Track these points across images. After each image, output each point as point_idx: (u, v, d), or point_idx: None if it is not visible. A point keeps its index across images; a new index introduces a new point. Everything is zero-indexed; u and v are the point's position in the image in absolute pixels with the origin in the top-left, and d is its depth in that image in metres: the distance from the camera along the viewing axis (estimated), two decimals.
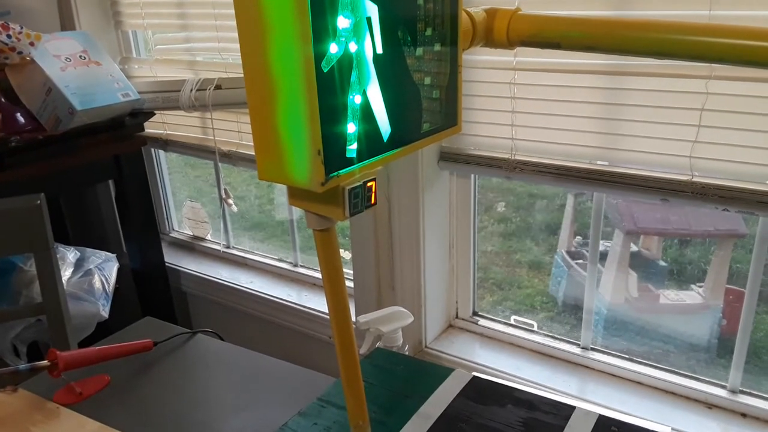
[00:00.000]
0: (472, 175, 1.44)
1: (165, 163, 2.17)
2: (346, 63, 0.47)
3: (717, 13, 0.99)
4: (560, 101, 1.19)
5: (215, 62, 1.72)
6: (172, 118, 1.87)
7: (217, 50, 1.68)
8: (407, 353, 0.97)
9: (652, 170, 1.13)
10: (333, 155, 0.47)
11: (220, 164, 1.79)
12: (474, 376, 0.83)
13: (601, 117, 1.16)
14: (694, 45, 0.55)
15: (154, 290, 1.94)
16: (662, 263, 3.11)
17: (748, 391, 1.24)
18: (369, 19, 0.47)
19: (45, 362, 0.88)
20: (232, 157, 1.76)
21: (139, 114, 1.68)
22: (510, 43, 0.63)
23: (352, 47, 0.47)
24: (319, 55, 0.44)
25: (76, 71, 1.51)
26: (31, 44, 1.43)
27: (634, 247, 3.02)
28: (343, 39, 0.46)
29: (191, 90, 1.61)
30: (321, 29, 0.43)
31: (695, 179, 1.09)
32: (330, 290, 0.59)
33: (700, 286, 2.88)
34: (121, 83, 1.60)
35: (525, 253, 3.59)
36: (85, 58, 1.56)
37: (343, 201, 0.50)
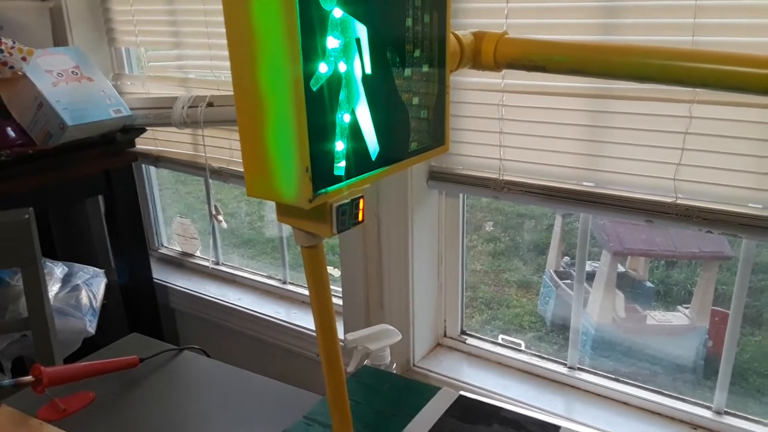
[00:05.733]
0: (461, 195, 1.46)
1: (155, 179, 2.17)
2: (335, 82, 0.48)
3: (700, 39, 1.02)
4: (547, 123, 1.21)
5: (207, 79, 1.73)
6: (164, 135, 1.88)
7: (210, 68, 1.70)
8: (395, 371, 0.97)
9: (637, 192, 1.15)
10: (321, 172, 0.47)
11: (210, 181, 1.80)
12: (460, 395, 0.83)
13: (587, 139, 1.17)
14: (677, 70, 0.56)
15: (141, 306, 1.93)
16: (649, 284, 3.13)
17: (733, 412, 1.25)
18: (358, 40, 0.48)
19: (29, 378, 0.87)
20: (222, 174, 1.77)
21: (131, 130, 1.69)
22: (497, 66, 0.64)
23: (342, 67, 0.48)
24: (308, 75, 0.45)
25: (68, 86, 1.52)
26: (24, 59, 1.43)
27: (621, 268, 3.05)
28: (333, 59, 0.47)
29: (183, 107, 1.62)
30: (310, 49, 0.44)
31: (679, 201, 1.10)
32: (317, 307, 0.60)
33: (687, 308, 2.90)
34: (112, 99, 1.61)
35: (514, 272, 3.61)
36: (77, 73, 1.57)
37: (331, 218, 0.50)
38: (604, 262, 2.97)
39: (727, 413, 1.25)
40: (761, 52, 0.96)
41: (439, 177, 1.39)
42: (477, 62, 0.64)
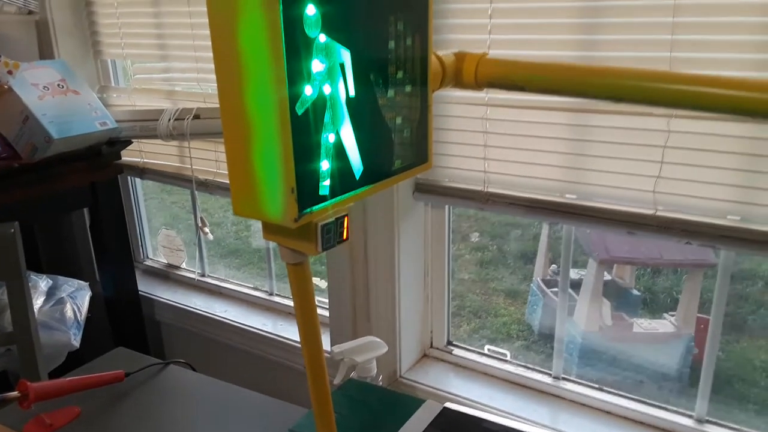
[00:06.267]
0: (447, 206, 1.47)
1: (141, 190, 2.17)
2: (320, 104, 0.49)
3: (677, 55, 1.04)
4: (530, 136, 1.23)
5: (194, 92, 1.74)
6: (150, 146, 1.88)
7: (196, 80, 1.71)
8: (381, 383, 0.98)
9: (618, 204, 1.17)
10: (306, 192, 0.48)
11: (196, 192, 1.80)
12: (444, 407, 0.84)
13: (569, 152, 1.20)
14: (651, 91, 0.58)
15: (126, 319, 1.92)
16: (635, 292, 3.16)
17: (714, 420, 1.27)
18: (342, 65, 0.49)
19: (15, 393, 0.87)
20: (209, 186, 1.77)
21: (117, 142, 1.69)
22: (478, 85, 0.66)
23: (326, 89, 0.49)
24: (294, 98, 0.46)
25: (54, 100, 1.52)
26: (9, 73, 1.43)
27: (608, 276, 3.07)
28: (317, 82, 0.48)
29: (169, 119, 1.63)
30: (296, 73, 0.46)
31: (659, 213, 1.13)
32: (302, 321, 0.61)
33: (672, 315, 2.93)
34: (98, 112, 1.61)
35: (501, 281, 3.63)
36: (63, 86, 1.57)
37: (316, 236, 0.52)
38: (590, 270, 3.00)
39: (708, 422, 1.27)
40: (737, 68, 0.99)
41: (424, 189, 1.41)
42: (458, 82, 0.66)
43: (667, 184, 1.11)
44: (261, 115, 0.46)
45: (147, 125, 1.64)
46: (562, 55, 1.15)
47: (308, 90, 0.47)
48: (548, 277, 3.25)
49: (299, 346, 1.77)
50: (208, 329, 1.89)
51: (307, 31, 0.46)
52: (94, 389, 1.00)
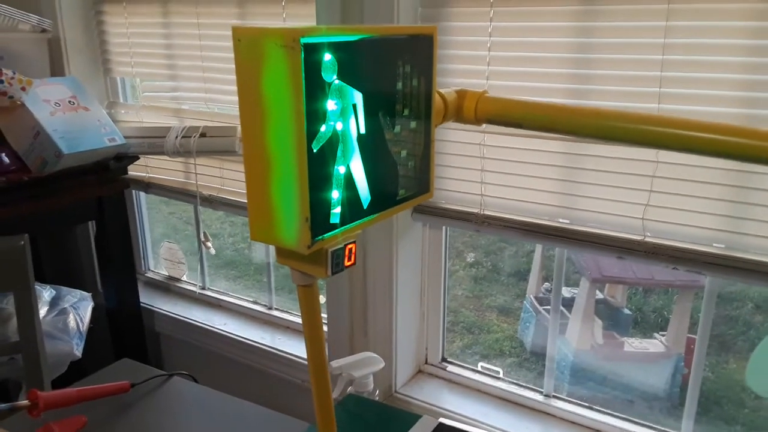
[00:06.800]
0: (444, 227, 1.52)
1: (144, 203, 2.21)
2: (334, 141, 0.53)
3: (665, 107, 1.10)
4: (526, 163, 1.28)
5: (201, 111, 1.78)
6: (155, 162, 1.92)
7: (204, 100, 1.75)
8: (378, 398, 1.02)
9: (609, 229, 1.22)
10: (319, 221, 0.53)
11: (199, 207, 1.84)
12: (440, 423, 0.88)
13: (562, 179, 1.25)
14: (639, 133, 0.63)
15: (127, 330, 1.95)
16: (627, 311, 3.20)
17: None
18: (354, 105, 0.54)
19: (25, 402, 0.91)
20: (213, 202, 1.81)
21: (124, 158, 1.73)
22: (477, 121, 0.70)
23: (339, 127, 0.54)
24: (311, 136, 0.50)
25: (65, 116, 1.57)
26: (23, 89, 1.48)
27: (600, 295, 3.11)
28: (332, 121, 0.53)
29: (176, 136, 1.67)
30: (313, 113, 0.50)
31: (647, 239, 1.18)
32: (309, 338, 0.65)
33: (663, 335, 2.97)
34: (107, 128, 1.65)
35: (495, 297, 3.67)
36: (74, 103, 1.61)
37: (326, 261, 0.56)
38: (582, 289, 3.04)
39: None
40: (723, 104, 1.04)
41: (423, 210, 1.46)
42: (459, 117, 0.71)
43: (656, 212, 1.16)
44: (280, 151, 0.51)
45: (154, 142, 1.69)
46: (557, 87, 1.21)
47: (323, 128, 0.52)
48: (541, 295, 3.28)
49: (297, 359, 1.81)
50: (208, 341, 1.93)
51: (324, 76, 0.51)
52: (99, 399, 1.03)
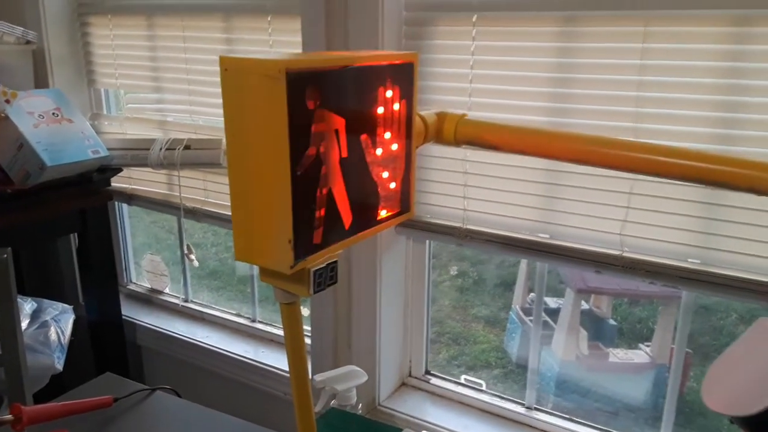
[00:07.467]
0: (427, 241, 1.54)
1: (127, 214, 2.20)
2: (317, 165, 0.55)
3: (640, 126, 1.13)
4: (507, 178, 1.30)
5: (186, 123, 1.79)
6: (138, 173, 1.92)
7: (189, 112, 1.76)
8: (360, 411, 1.03)
9: (587, 244, 1.24)
10: (301, 243, 0.54)
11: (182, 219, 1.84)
12: None
13: (542, 194, 1.27)
14: (609, 157, 0.66)
15: (109, 344, 1.94)
16: (612, 322, 3.23)
17: None
18: (336, 131, 0.56)
19: (9, 416, 0.90)
20: (196, 214, 1.81)
21: (108, 170, 1.73)
22: (456, 143, 0.72)
23: (322, 151, 0.55)
24: (294, 161, 0.52)
25: (49, 128, 1.56)
26: (7, 101, 1.48)
27: (585, 306, 3.14)
28: (315, 147, 0.54)
29: (160, 149, 1.68)
30: (296, 139, 0.52)
31: (625, 254, 1.20)
32: (292, 354, 0.66)
33: (648, 345, 3.00)
34: (91, 140, 1.65)
35: (481, 308, 3.68)
36: (57, 115, 1.61)
37: (309, 280, 0.57)
38: (567, 300, 3.06)
39: None
40: (695, 139, 1.08)
41: (406, 224, 1.47)
42: (439, 139, 0.73)
43: (633, 228, 1.19)
44: (265, 175, 0.53)
45: (138, 154, 1.69)
46: (538, 106, 1.23)
47: (307, 153, 0.54)
48: (527, 306, 3.31)
49: (280, 373, 1.82)
50: (191, 355, 1.92)
51: (307, 103, 0.52)
52: (83, 414, 1.03)
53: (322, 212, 0.57)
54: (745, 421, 0.45)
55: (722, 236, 1.12)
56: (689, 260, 1.16)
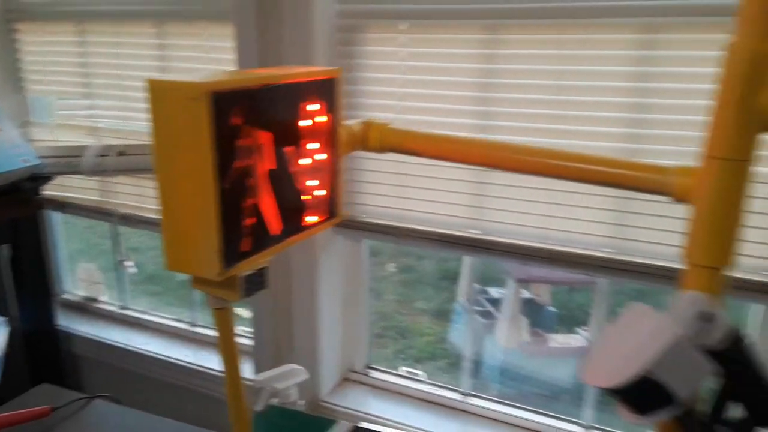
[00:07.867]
0: (364, 240, 1.58)
1: (60, 222, 2.15)
2: (243, 177, 0.59)
3: (560, 142, 1.21)
4: (439, 178, 1.36)
5: (118, 129, 1.77)
6: (70, 181, 1.88)
7: (121, 118, 1.74)
8: (303, 407, 1.07)
9: (515, 238, 1.32)
10: (230, 251, 0.58)
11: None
12: (356, 427, 0.94)
13: (473, 193, 1.34)
14: (525, 163, 0.72)
15: (45, 354, 1.90)
16: (551, 309, 3.37)
17: (599, 427, 1.43)
18: (261, 145, 0.60)
19: None
20: (131, 220, 1.80)
21: (38, 178, 1.69)
22: (381, 150, 0.77)
23: (249, 164, 0.59)
24: (221, 174, 0.55)
25: None
26: None
27: (527, 294, 3.27)
28: (242, 159, 0.58)
29: (94, 155, 1.65)
30: (223, 153, 0.55)
31: (548, 246, 1.28)
32: (225, 357, 0.70)
33: (585, 329, 3.15)
34: (21, 149, 1.61)
35: (427, 301, 3.76)
36: None
37: (238, 286, 0.61)
38: (509, 289, 3.18)
39: (594, 428, 1.43)
40: (608, 139, 1.15)
41: (343, 224, 1.51)
42: (365, 147, 0.77)
43: (554, 222, 1.27)
44: (192, 190, 0.56)
45: (71, 161, 1.66)
46: (466, 109, 1.30)
47: (233, 166, 0.57)
48: (471, 297, 3.40)
49: (221, 375, 1.85)
50: (130, 362, 1.90)
51: (232, 121, 0.56)
52: (20, 425, 1.03)
53: (250, 221, 0.60)
54: (616, 393, 0.51)
55: (633, 227, 1.21)
56: (605, 250, 1.25)
